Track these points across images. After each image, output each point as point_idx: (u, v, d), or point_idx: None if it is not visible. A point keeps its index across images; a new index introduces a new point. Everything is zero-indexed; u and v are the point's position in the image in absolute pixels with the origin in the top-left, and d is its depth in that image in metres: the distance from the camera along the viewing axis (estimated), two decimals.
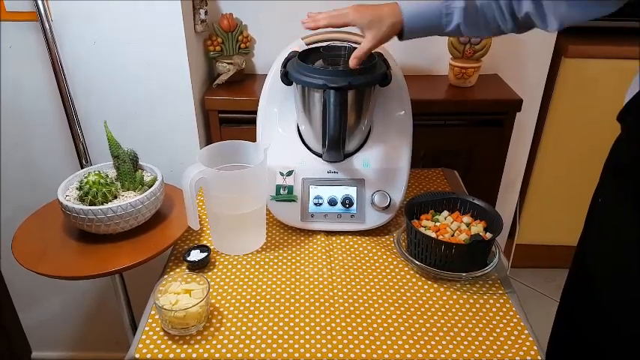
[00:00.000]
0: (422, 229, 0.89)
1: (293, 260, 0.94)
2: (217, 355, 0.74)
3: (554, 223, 1.92)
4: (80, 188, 0.93)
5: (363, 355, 0.74)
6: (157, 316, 0.81)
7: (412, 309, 0.82)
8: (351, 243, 0.99)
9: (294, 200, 1.00)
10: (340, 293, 0.86)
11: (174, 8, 1.13)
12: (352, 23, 0.87)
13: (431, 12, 0.84)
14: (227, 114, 1.33)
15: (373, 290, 0.86)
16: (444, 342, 0.76)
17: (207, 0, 1.30)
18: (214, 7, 1.40)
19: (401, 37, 0.88)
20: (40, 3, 1.06)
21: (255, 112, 1.08)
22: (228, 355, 0.74)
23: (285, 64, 0.98)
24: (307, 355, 0.74)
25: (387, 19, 0.84)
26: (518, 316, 0.81)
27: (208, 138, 1.38)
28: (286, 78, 0.96)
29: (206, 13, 1.28)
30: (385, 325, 0.79)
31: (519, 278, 2.00)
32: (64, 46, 1.16)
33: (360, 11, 0.86)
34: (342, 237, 1.00)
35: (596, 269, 0.81)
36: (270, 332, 0.78)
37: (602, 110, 1.64)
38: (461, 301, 0.84)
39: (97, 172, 0.93)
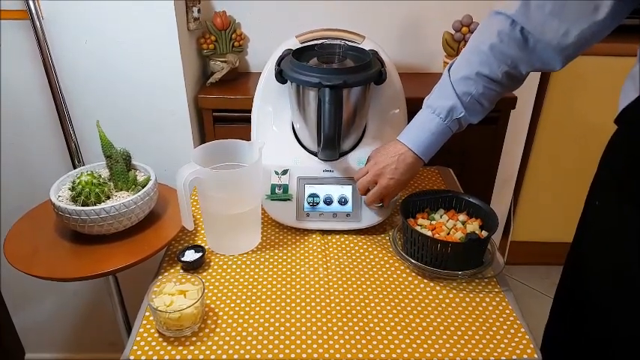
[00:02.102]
0: (418, 228, 0.89)
1: (289, 260, 0.93)
2: (212, 357, 0.73)
3: (548, 220, 1.93)
4: (73, 189, 0.92)
5: (360, 355, 0.73)
6: (151, 318, 0.80)
7: (408, 308, 0.82)
8: (347, 242, 0.98)
9: (289, 199, 1.00)
10: (336, 293, 0.85)
11: (167, 6, 1.12)
12: (393, 189, 0.93)
13: (441, 136, 0.88)
14: (221, 112, 1.32)
15: (369, 289, 0.86)
16: (440, 341, 0.76)
17: None
18: (207, 4, 1.39)
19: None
20: (30, 1, 1.05)
21: (249, 111, 1.08)
22: (224, 357, 0.73)
23: (279, 63, 0.97)
24: (303, 355, 0.74)
25: (412, 174, 0.92)
26: (514, 315, 0.81)
27: (202, 137, 1.37)
28: (281, 76, 0.95)
29: (199, 11, 1.27)
30: (382, 324, 0.79)
31: (514, 275, 2.01)
32: (55, 44, 1.15)
33: (395, 179, 0.91)
34: (337, 236, 1.00)
35: (592, 269, 0.81)
36: (265, 333, 0.77)
37: (596, 107, 1.65)
38: (457, 300, 0.84)
39: (89, 172, 0.92)
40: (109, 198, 0.94)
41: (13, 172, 1.31)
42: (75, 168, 1.20)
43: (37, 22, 1.07)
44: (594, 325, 0.81)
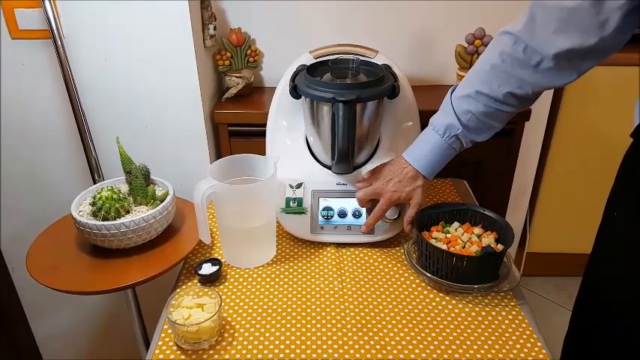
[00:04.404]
0: (432, 241, 0.89)
1: (303, 273, 0.94)
2: None
3: (564, 231, 1.91)
4: (93, 204, 0.94)
5: None
6: (169, 331, 0.81)
7: (424, 322, 0.82)
8: (361, 255, 0.99)
9: (303, 212, 1.01)
10: (351, 306, 0.86)
11: (184, 24, 1.15)
12: (398, 201, 0.95)
13: (441, 153, 0.90)
14: (236, 127, 1.34)
15: (384, 303, 0.86)
16: (456, 355, 0.76)
17: (216, 15, 1.31)
18: (223, 22, 1.41)
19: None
20: (52, 21, 1.08)
21: (264, 125, 1.09)
22: None
23: (293, 78, 0.99)
24: None
25: (420, 187, 0.93)
26: (530, 329, 0.80)
27: (218, 151, 1.39)
28: (295, 92, 0.96)
29: (215, 28, 1.29)
30: (397, 338, 0.79)
31: (530, 287, 1.99)
32: (76, 62, 1.18)
33: (398, 191, 0.93)
34: (352, 249, 1.00)
35: (611, 280, 0.80)
36: (282, 346, 0.78)
37: (610, 117, 1.64)
38: (473, 314, 0.83)
39: (109, 188, 0.94)
40: (128, 212, 0.96)
41: (33, 186, 1.34)
42: (95, 183, 1.22)
43: (59, 41, 1.11)
44: (614, 337, 0.80)
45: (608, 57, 0.73)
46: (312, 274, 0.94)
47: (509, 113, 0.85)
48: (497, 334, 0.80)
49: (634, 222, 0.75)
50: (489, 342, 0.78)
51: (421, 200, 0.93)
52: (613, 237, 0.81)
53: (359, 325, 0.81)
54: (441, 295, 0.88)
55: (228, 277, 0.94)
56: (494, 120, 0.86)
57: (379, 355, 0.76)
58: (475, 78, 0.84)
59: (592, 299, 0.87)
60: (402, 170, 0.93)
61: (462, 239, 0.90)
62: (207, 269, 0.92)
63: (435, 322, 0.82)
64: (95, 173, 1.23)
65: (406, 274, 0.93)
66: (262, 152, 1.03)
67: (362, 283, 0.91)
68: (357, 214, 1.00)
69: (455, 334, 0.80)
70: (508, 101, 0.82)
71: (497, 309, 0.85)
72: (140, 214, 0.93)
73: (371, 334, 0.80)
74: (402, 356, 0.76)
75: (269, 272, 0.95)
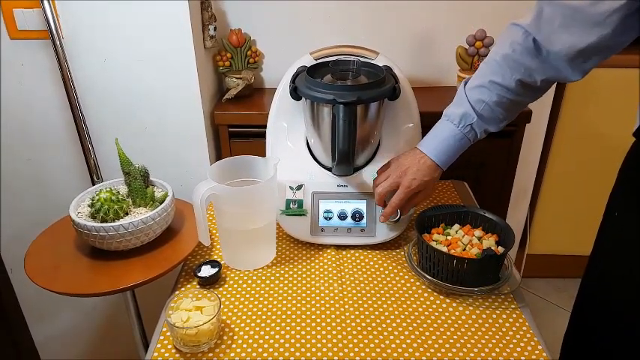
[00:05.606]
0: (433, 243, 0.89)
1: (303, 275, 0.94)
2: None
3: (565, 232, 1.90)
4: (92, 205, 0.93)
5: None
6: (168, 333, 0.81)
7: (424, 324, 0.82)
8: (361, 257, 0.98)
9: (303, 214, 1.00)
10: (351, 308, 0.85)
11: (184, 25, 1.14)
12: (416, 190, 0.93)
13: (455, 142, 0.90)
14: (236, 128, 1.34)
15: (385, 305, 0.86)
16: (456, 358, 0.75)
17: (216, 16, 1.31)
18: (223, 22, 1.41)
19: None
20: (51, 21, 1.08)
21: (264, 126, 1.09)
22: None
23: (294, 80, 0.98)
24: None
25: (435, 179, 0.93)
26: (531, 331, 0.80)
27: (218, 152, 1.39)
28: (295, 93, 0.96)
29: (215, 29, 1.29)
30: (398, 341, 0.78)
31: (530, 288, 1.99)
32: (75, 63, 1.17)
33: (417, 179, 0.92)
34: (352, 251, 1.00)
35: (611, 279, 0.80)
36: (281, 349, 0.77)
37: (611, 118, 1.64)
38: (473, 317, 0.83)
39: (108, 189, 0.94)
40: (127, 214, 0.95)
41: (32, 188, 1.34)
42: (94, 184, 1.22)
43: (58, 42, 1.10)
44: (614, 336, 0.80)
45: (612, 54, 0.73)
46: (312, 276, 0.93)
47: (520, 103, 0.86)
48: (497, 336, 0.79)
49: (634, 220, 0.75)
50: (490, 344, 0.78)
51: (431, 194, 0.93)
52: (613, 235, 0.81)
53: (359, 328, 0.81)
54: (442, 297, 0.87)
55: (228, 279, 0.93)
56: (507, 110, 0.87)
57: (379, 358, 0.75)
58: (487, 69, 0.86)
59: (591, 297, 0.86)
60: (418, 160, 0.92)
61: (463, 241, 0.90)
62: (207, 271, 0.91)
63: (435, 325, 0.81)
64: (94, 174, 1.22)
65: (406, 277, 0.93)
66: (262, 154, 1.03)
67: (362, 285, 0.91)
68: (357, 216, 1.00)
69: (455, 336, 0.79)
70: (519, 90, 0.83)
71: (498, 311, 0.84)
72: (139, 215, 0.93)
73: (371, 336, 0.79)
74: (402, 359, 0.75)
75: (269, 274, 0.94)
